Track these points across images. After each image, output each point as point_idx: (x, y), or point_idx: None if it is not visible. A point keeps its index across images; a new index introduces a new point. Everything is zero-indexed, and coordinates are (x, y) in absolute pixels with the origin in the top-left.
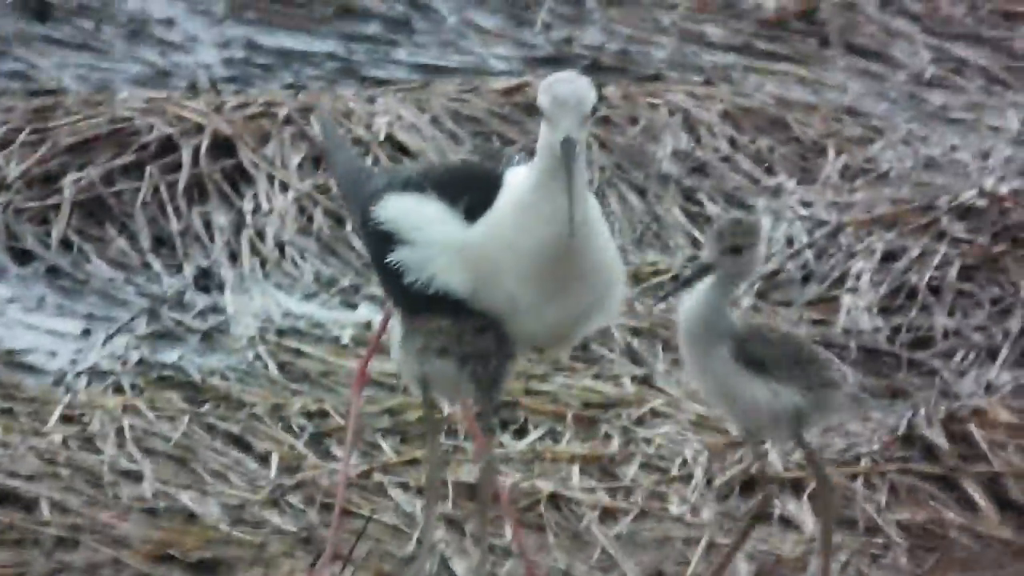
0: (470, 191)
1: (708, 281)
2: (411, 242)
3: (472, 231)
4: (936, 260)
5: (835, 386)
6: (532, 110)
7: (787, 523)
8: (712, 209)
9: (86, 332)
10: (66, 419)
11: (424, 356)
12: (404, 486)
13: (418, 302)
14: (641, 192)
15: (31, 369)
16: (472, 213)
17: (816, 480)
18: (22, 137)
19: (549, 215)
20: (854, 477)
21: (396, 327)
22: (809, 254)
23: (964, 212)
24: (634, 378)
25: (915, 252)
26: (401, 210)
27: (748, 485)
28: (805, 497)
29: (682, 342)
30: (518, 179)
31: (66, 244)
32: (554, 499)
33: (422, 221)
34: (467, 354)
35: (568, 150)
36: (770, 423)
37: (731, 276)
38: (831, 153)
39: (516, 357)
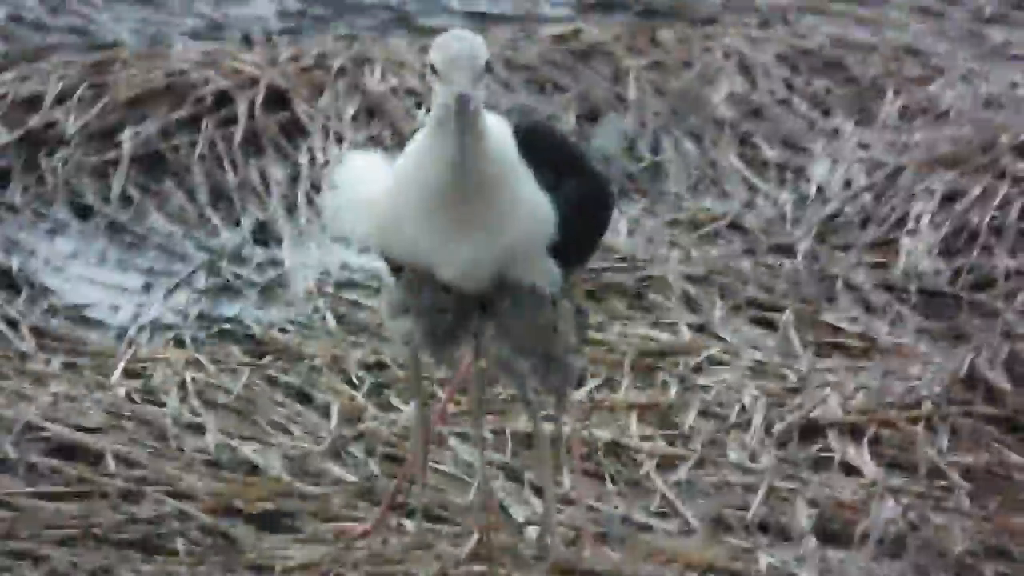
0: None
1: None
2: (339, 192)
3: (379, 185)
4: (997, 200)
5: None
6: (585, 56)
7: (848, 468)
8: (769, 153)
9: (147, 286)
10: (129, 373)
11: (392, 311)
12: (463, 436)
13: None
14: (696, 137)
15: (94, 323)
16: None
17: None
18: (80, 92)
19: (437, 160)
20: (915, 421)
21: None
22: (868, 196)
23: None
24: (691, 326)
25: (976, 192)
26: (348, 164)
27: (807, 431)
28: (865, 442)
29: None
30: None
31: (126, 199)
32: (612, 447)
33: (354, 175)
34: (422, 309)
35: (463, 106)
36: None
37: None
38: (889, 93)
39: (474, 318)
